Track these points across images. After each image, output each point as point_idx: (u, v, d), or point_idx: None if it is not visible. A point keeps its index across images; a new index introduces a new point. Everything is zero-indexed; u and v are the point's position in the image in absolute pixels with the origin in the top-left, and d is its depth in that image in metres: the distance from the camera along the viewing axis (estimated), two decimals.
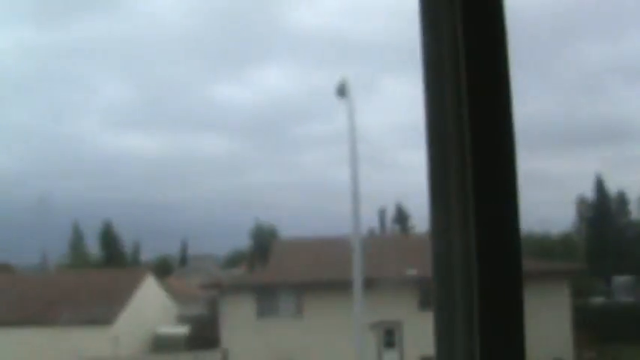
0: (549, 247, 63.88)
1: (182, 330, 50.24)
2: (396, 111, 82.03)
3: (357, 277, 18.87)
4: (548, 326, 41.26)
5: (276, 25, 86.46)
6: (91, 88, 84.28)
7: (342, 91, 20.05)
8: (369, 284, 19.72)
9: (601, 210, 79.87)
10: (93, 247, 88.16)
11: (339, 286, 39.91)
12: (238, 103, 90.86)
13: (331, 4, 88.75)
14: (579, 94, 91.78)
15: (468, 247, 2.30)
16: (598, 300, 52.96)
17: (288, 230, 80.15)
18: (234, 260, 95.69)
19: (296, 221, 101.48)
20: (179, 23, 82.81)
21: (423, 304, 44.08)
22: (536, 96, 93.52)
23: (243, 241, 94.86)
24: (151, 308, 49.75)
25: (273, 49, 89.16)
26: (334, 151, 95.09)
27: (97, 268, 74.71)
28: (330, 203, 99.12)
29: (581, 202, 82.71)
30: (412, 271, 43.13)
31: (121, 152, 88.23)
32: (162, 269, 78.19)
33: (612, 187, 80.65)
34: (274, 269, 47.24)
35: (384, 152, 77.49)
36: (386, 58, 75.37)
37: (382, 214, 56.97)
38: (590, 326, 44.22)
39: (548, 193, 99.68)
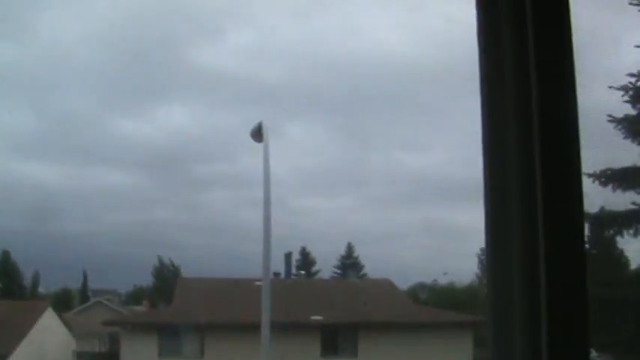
0: (454, 297, 64.51)
1: None
2: (298, 156, 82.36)
3: (266, 320, 18.75)
4: None
5: (181, 63, 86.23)
6: None
7: (257, 134, 20.04)
8: (273, 327, 19.62)
9: None
10: None
11: (241, 329, 39.73)
12: (141, 139, 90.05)
13: (236, 45, 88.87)
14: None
15: (530, 254, 2.24)
16: None
17: (191, 269, 79.63)
18: (136, 297, 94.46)
19: (199, 261, 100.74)
20: (82, 55, 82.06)
21: (326, 350, 44.08)
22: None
23: (145, 279, 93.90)
24: (49, 343, 48.68)
25: (179, 87, 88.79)
26: (238, 193, 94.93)
27: None
28: (233, 244, 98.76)
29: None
30: (316, 317, 43.15)
31: (19, 180, 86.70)
32: (62, 303, 76.74)
33: None
34: (177, 308, 46.79)
35: (288, 197, 77.60)
36: (289, 102, 75.70)
37: (288, 258, 56.78)
38: None
39: (455, 244, 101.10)
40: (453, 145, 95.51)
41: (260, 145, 20.04)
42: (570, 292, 2.23)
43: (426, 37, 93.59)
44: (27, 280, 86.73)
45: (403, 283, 62.38)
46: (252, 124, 20.85)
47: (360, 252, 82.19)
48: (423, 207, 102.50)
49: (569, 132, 2.30)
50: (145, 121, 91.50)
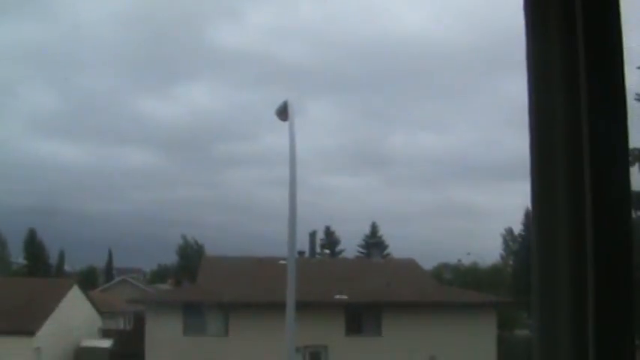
0: (478, 278, 64.44)
1: (106, 344, 49.58)
2: (320, 135, 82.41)
3: (291, 299, 18.73)
4: (475, 354, 41.61)
5: (201, 42, 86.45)
6: (14, 93, 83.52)
7: (283, 112, 19.98)
8: (297, 307, 19.60)
9: (528, 242, 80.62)
10: (16, 256, 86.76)
11: (266, 307, 39.82)
12: (164, 118, 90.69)
13: (255, 24, 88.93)
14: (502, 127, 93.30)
15: (577, 245, 2.21)
16: (523, 332, 53.47)
17: (214, 247, 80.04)
18: (161, 275, 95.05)
19: (222, 239, 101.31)
20: (105, 35, 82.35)
21: (350, 329, 44.15)
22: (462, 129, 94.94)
23: (170, 257, 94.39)
24: (75, 320, 49.02)
25: (200, 66, 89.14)
26: (260, 172, 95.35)
27: (21, 276, 73.54)
28: (256, 223, 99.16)
29: (508, 235, 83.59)
30: (341, 296, 43.18)
31: (43, 158, 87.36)
32: (88, 281, 77.26)
33: None
34: (202, 286, 46.94)
35: (310, 176, 77.70)
36: (311, 82, 75.72)
37: (312, 237, 56.84)
38: (514, 357, 44.64)
39: (478, 224, 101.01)
40: (473, 126, 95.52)
41: (284, 124, 19.98)
42: (617, 279, 2.21)
43: (450, 16, 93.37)
44: (53, 259, 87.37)
45: (427, 263, 62.42)
46: (273, 104, 20.78)
47: (384, 231, 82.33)
48: (444, 187, 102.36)
49: (617, 115, 2.27)
50: (166, 100, 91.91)
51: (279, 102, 20.10)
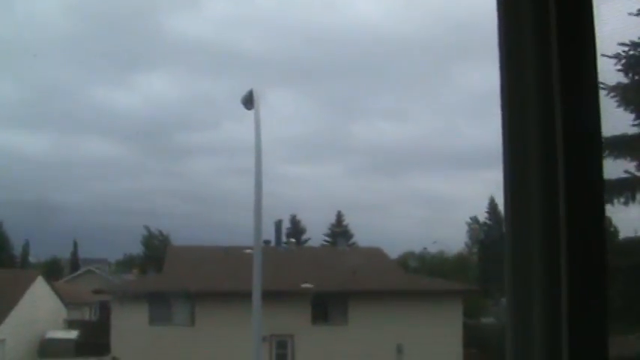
0: (444, 266, 64.72)
1: (71, 335, 49.39)
2: (281, 124, 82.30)
3: (257, 288, 18.74)
4: (441, 341, 41.80)
5: (158, 32, 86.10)
6: None
7: (248, 101, 19.94)
8: (264, 296, 19.61)
9: (492, 231, 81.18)
10: None
11: (232, 296, 39.77)
12: (122, 108, 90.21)
13: (212, 13, 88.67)
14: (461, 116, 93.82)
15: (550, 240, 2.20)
16: (488, 320, 53.79)
17: (179, 237, 79.72)
18: (126, 266, 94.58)
19: (186, 229, 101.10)
20: (59, 25, 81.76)
21: (316, 318, 44.20)
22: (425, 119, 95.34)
23: (135, 247, 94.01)
24: (40, 312, 48.77)
25: (157, 56, 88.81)
26: (221, 161, 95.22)
27: None
28: (219, 212, 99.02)
29: (473, 223, 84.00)
30: (307, 285, 43.20)
31: (2, 150, 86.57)
32: (53, 272, 76.76)
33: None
34: (167, 276, 46.83)
35: (273, 165, 77.61)
36: (270, 71, 75.59)
37: (278, 226, 56.76)
38: (479, 345, 44.91)
39: (442, 213, 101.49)
40: (433, 115, 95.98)
41: (244, 113, 19.94)
42: (591, 270, 2.21)
43: (406, 6, 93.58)
44: (17, 250, 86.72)
45: (393, 252, 62.56)
46: (232, 93, 20.88)
47: (349, 220, 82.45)
48: (406, 176, 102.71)
49: (590, 104, 2.28)
50: (125, 90, 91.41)
51: (239, 91, 20.07)
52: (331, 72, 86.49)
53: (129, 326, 41.64)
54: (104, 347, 43.31)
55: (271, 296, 32.94)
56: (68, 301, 56.30)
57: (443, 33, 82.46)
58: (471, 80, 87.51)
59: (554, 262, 2.19)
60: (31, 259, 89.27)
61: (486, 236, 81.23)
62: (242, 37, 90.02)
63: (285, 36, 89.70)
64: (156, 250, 79.59)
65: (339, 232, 71.32)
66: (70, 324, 53.64)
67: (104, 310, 52.97)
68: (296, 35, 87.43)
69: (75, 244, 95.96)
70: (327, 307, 45.05)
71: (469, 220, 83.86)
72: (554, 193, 2.21)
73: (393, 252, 62.97)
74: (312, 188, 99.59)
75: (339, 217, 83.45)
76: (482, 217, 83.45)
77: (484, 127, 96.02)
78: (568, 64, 2.26)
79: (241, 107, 19.76)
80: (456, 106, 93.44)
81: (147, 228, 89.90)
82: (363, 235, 78.71)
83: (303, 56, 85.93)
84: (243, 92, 19.66)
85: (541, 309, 2.22)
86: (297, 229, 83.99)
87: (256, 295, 18.93)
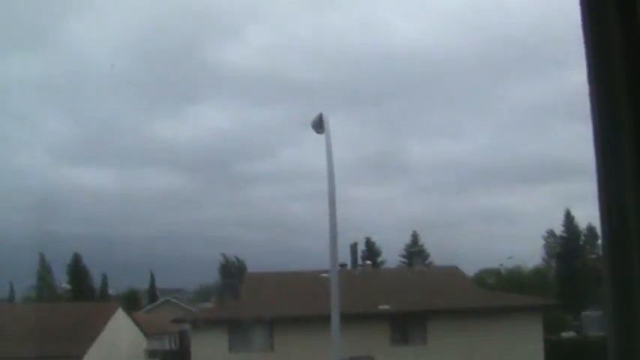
0: (521, 281, 64.08)
1: None
2: (339, 148, 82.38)
3: (335, 311, 18.71)
4: (522, 358, 41.33)
5: (205, 63, 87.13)
6: (32, 124, 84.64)
7: (318, 125, 19.99)
8: (342, 319, 19.58)
9: (570, 244, 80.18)
10: (60, 280, 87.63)
11: (310, 321, 39.80)
12: (180, 139, 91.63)
13: (255, 42, 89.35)
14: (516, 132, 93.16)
15: None
16: (569, 334, 53.09)
17: (252, 264, 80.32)
18: (203, 294, 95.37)
19: (260, 255, 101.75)
20: (109, 63, 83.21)
21: (395, 339, 43.99)
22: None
23: (212, 276, 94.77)
24: (121, 342, 49.25)
25: (207, 86, 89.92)
26: (281, 187, 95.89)
27: (66, 301, 74.13)
28: (289, 237, 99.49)
29: (550, 237, 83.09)
30: (385, 307, 43.07)
31: (71, 186, 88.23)
32: (132, 303, 77.64)
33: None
34: (245, 303, 47.01)
35: (340, 188, 77.56)
36: (321, 98, 75.90)
37: (354, 249, 56.72)
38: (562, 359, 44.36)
39: (514, 228, 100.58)
40: (487, 130, 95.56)
41: (302, 139, 20.12)
42: None
43: (447, 23, 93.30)
44: (96, 283, 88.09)
45: (469, 270, 62.20)
46: (288, 120, 20.96)
47: (424, 240, 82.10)
48: (470, 193, 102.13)
49: None
50: (181, 121, 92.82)
51: (294, 118, 20.18)
52: (384, 95, 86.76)
53: (209, 354, 41.90)
54: None
55: (349, 319, 32.90)
56: (148, 332, 56.78)
57: (489, 49, 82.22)
58: (521, 94, 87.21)
59: None
60: (110, 290, 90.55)
61: (564, 249, 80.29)
62: (289, 65, 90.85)
63: (332, 61, 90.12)
64: (232, 278, 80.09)
65: (415, 251, 70.93)
66: (151, 354, 54.08)
67: (184, 339, 53.36)
68: (342, 60, 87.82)
69: (152, 275, 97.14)
70: (405, 327, 44.82)
71: (545, 234, 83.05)
72: None
73: (470, 270, 62.66)
74: (382, 209, 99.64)
75: (415, 236, 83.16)
76: (558, 230, 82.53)
77: (539, 140, 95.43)
78: None
79: (298, 133, 19.92)
80: (509, 121, 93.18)
81: (224, 255, 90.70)
82: (439, 254, 78.39)
83: (354, 80, 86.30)
84: (298, 118, 19.81)
85: None
86: (372, 251, 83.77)
87: (335, 318, 18.90)
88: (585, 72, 2.31)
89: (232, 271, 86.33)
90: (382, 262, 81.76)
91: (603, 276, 2.24)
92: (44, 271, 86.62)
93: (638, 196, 2.15)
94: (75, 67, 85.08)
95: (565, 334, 52.83)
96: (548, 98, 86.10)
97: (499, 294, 55.14)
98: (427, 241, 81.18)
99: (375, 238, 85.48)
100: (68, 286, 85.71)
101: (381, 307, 43.19)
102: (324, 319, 20.19)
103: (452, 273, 50.91)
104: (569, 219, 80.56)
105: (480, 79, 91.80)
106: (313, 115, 19.93)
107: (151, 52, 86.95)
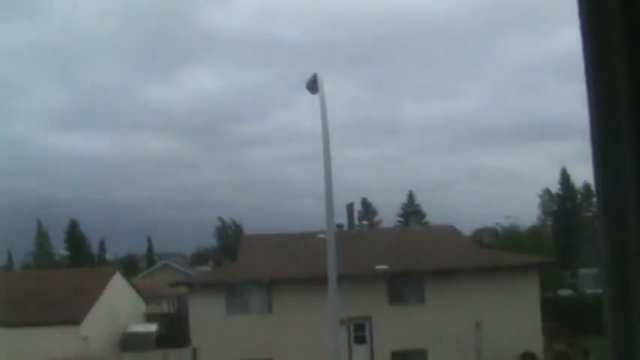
0: (517, 240, 64.19)
1: (152, 328, 50.03)
2: (332, 110, 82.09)
3: (332, 272, 18.74)
4: (519, 315, 41.51)
5: (197, 28, 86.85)
6: (25, 91, 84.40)
7: (312, 85, 19.91)
8: (339, 279, 19.62)
9: (566, 203, 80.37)
10: (57, 246, 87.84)
11: (307, 282, 39.88)
12: (173, 104, 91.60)
13: (246, 5, 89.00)
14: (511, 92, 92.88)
15: None
16: (565, 292, 53.33)
17: (249, 227, 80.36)
18: (201, 258, 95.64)
19: (255, 218, 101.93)
20: (101, 29, 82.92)
21: (393, 299, 44.10)
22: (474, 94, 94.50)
23: (209, 239, 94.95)
24: (120, 307, 49.48)
25: (199, 51, 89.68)
26: (276, 149, 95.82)
27: (64, 267, 74.28)
28: (286, 199, 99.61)
29: (546, 195, 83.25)
30: (382, 267, 43.15)
31: (66, 152, 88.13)
32: (130, 268, 77.92)
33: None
34: (243, 266, 47.08)
35: (334, 150, 77.34)
36: (313, 59, 75.78)
37: (350, 209, 56.76)
38: (557, 317, 44.53)
39: (510, 187, 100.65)
40: (481, 90, 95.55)
41: (294, 101, 20.03)
42: None
43: None
44: (94, 248, 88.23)
45: (466, 229, 62.31)
46: (280, 82, 20.91)
47: (420, 200, 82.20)
48: (466, 152, 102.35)
49: None
50: (174, 86, 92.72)
51: (285, 80, 20.12)
52: (376, 55, 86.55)
53: (207, 317, 42.01)
54: (184, 339, 43.78)
55: (347, 279, 33.02)
56: (146, 296, 57.02)
57: (482, 8, 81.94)
58: (515, 53, 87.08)
59: None
60: (108, 256, 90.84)
61: (560, 207, 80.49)
62: (279, 27, 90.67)
63: (323, 23, 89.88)
64: (229, 241, 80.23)
65: (412, 211, 71.14)
66: (150, 317, 54.32)
67: (182, 302, 53.56)
68: (334, 22, 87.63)
69: (149, 240, 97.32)
70: (403, 287, 44.91)
71: (540, 193, 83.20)
72: None
73: (466, 229, 62.80)
74: (377, 170, 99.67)
75: (411, 196, 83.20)
76: (555, 188, 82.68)
77: (534, 100, 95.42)
78: None
79: (291, 95, 19.86)
80: (503, 81, 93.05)
81: (220, 219, 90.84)
82: (436, 213, 78.51)
83: (346, 42, 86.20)
84: (291, 81, 19.74)
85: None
86: (368, 211, 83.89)
87: (332, 279, 18.94)
88: (579, 32, 2.27)
89: (229, 235, 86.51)
90: (379, 222, 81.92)
91: (599, 232, 2.21)
92: (42, 238, 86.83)
93: (634, 151, 2.11)
94: (65, 33, 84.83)
95: (562, 292, 53.07)
96: (543, 58, 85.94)
97: (496, 253, 55.23)
98: (423, 201, 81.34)
99: (371, 199, 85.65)
100: (66, 253, 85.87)
101: (378, 267, 43.25)
102: (322, 280, 20.21)
103: (449, 232, 50.98)
104: (565, 177, 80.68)
105: (475, 39, 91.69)
106: (305, 77, 19.83)
107: (141, 17, 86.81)
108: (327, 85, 19.67)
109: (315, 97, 19.55)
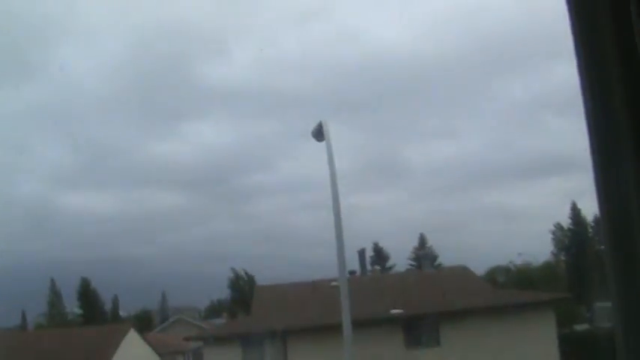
0: (531, 277, 63.97)
1: None
2: (339, 157, 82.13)
3: (346, 319, 18.69)
4: (537, 353, 41.20)
5: (195, 82, 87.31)
6: (31, 153, 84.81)
7: (319, 133, 19.99)
8: (354, 325, 19.56)
9: (578, 237, 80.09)
10: (71, 305, 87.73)
11: (322, 330, 39.72)
12: (178, 158, 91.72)
13: (242, 59, 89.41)
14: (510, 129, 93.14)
15: None
16: (582, 327, 52.95)
17: (261, 277, 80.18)
18: (215, 310, 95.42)
19: (268, 268, 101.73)
20: (100, 87, 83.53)
21: (408, 343, 43.87)
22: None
23: (222, 292, 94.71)
24: None
25: (199, 105, 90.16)
26: (282, 198, 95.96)
27: (77, 325, 74.15)
28: (296, 248, 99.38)
29: (558, 230, 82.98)
30: (396, 311, 42.99)
31: (74, 211, 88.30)
32: (144, 323, 77.69)
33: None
34: (257, 316, 46.96)
35: (342, 196, 77.28)
36: (313, 108, 75.94)
37: (362, 255, 56.59)
38: (576, 353, 44.16)
39: (521, 225, 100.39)
40: (480, 129, 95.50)
41: (298, 151, 19.99)
42: None
43: (434, 26, 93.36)
44: (107, 305, 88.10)
45: (479, 269, 62.04)
46: (283, 132, 20.90)
47: (432, 242, 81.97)
48: (473, 192, 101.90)
49: None
50: (178, 141, 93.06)
51: (289, 129, 20.19)
52: (378, 101, 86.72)
53: None
54: None
55: (362, 325, 32.87)
56: (161, 351, 56.77)
57: (475, 49, 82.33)
58: (511, 91, 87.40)
59: None
60: (122, 312, 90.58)
61: (572, 242, 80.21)
62: (280, 78, 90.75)
63: (322, 72, 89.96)
64: (242, 292, 80.00)
65: (423, 254, 70.80)
66: None
67: (197, 356, 53.32)
68: (331, 71, 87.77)
69: (163, 295, 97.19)
70: (418, 330, 44.70)
71: (552, 228, 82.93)
72: None
73: (480, 268, 62.53)
74: (387, 214, 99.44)
75: (422, 239, 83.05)
76: (566, 223, 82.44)
77: (533, 136, 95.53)
78: None
79: (295, 145, 19.91)
80: (502, 119, 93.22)
81: (233, 270, 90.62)
82: (447, 255, 78.17)
83: (345, 90, 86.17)
84: (294, 130, 19.80)
85: None
86: (380, 256, 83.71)
87: (346, 325, 18.90)
88: (575, 65, 2.28)
89: (242, 286, 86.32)
90: (391, 267, 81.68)
91: (607, 269, 2.21)
92: (55, 297, 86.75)
93: (638, 185, 2.11)
94: (67, 94, 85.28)
95: (578, 327, 52.70)
96: (542, 93, 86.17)
97: (510, 291, 55.00)
98: (435, 243, 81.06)
99: (382, 244, 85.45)
100: (79, 311, 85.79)
101: (393, 311, 43.10)
102: (337, 328, 20.16)
103: (461, 273, 50.82)
104: (575, 212, 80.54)
105: (472, 78, 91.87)
106: (309, 126, 19.93)
107: (141, 74, 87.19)
108: (330, 134, 19.76)
109: (321, 145, 19.62)
